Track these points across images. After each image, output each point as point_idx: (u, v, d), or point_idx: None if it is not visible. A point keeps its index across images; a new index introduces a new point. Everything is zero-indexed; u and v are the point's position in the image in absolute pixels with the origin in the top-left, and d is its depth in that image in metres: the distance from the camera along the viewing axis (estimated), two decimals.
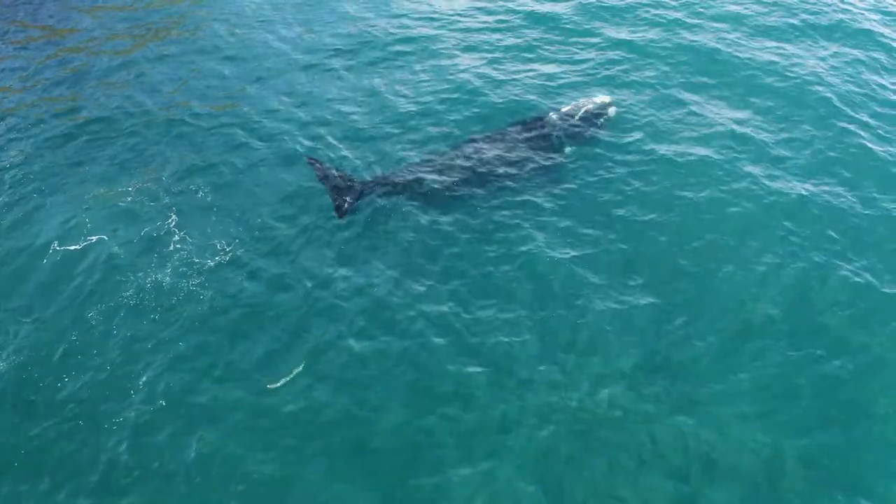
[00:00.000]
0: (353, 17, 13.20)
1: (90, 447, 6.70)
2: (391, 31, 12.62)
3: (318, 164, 9.68)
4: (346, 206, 9.20)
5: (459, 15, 13.14)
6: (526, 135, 10.18)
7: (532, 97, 11.03)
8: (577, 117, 10.45)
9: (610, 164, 9.67)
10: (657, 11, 12.95)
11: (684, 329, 7.53)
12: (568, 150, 10.03)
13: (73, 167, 9.91)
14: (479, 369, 7.13)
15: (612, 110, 10.65)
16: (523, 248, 8.45)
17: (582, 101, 10.76)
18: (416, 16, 13.11)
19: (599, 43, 12.12)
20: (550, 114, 10.57)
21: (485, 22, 12.93)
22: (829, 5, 12.97)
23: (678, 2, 13.23)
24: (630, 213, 8.86)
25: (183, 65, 12.13)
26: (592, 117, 10.48)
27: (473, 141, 10.11)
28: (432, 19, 12.95)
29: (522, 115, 10.60)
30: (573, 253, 8.36)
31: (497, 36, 12.48)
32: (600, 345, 7.37)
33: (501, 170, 9.65)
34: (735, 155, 9.71)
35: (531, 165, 9.73)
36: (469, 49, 12.14)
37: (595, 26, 12.57)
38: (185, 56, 12.36)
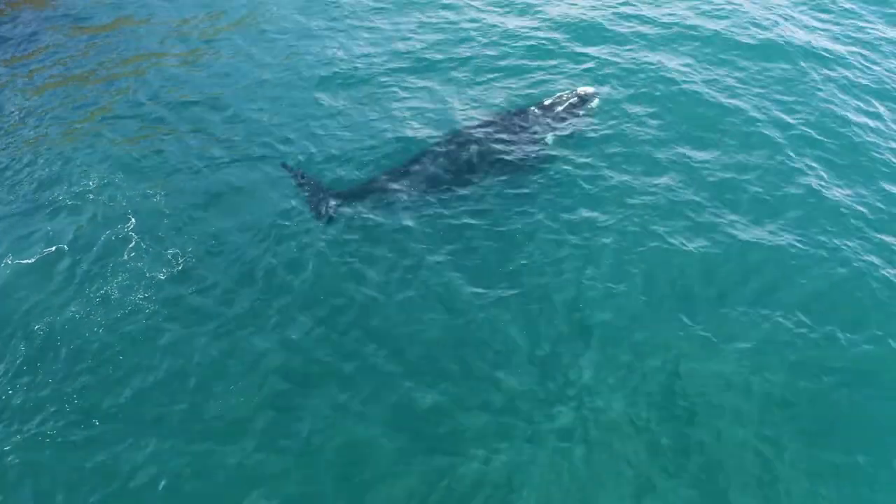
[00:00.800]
0: (319, 34, 12.78)
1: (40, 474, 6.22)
2: (361, 49, 12.24)
3: (296, 171, 9.26)
4: (324, 210, 8.76)
5: (432, 28, 12.81)
6: (509, 134, 9.76)
7: (503, 102, 10.68)
8: (559, 110, 10.11)
9: (576, 188, 9.08)
10: (630, 28, 12.68)
11: (628, 370, 7.05)
12: (549, 139, 9.67)
13: (39, 180, 9.38)
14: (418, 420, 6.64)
15: (595, 102, 10.34)
16: (493, 271, 8.01)
17: (565, 93, 10.42)
18: (387, 33, 12.77)
19: (571, 54, 11.79)
20: (533, 108, 10.21)
21: (457, 31, 12.63)
22: (809, 26, 12.61)
23: (650, 16, 12.91)
24: (595, 243, 8.36)
25: (150, 79, 11.59)
26: (576, 108, 10.15)
27: (457, 140, 9.67)
28: (403, 38, 12.59)
29: (503, 114, 10.21)
30: (553, 271, 7.97)
31: (467, 47, 12.15)
32: (554, 393, 6.85)
33: (482, 171, 9.26)
34: (693, 187, 9.07)
35: (512, 167, 9.33)
36: (443, 62, 11.76)
37: (567, 40, 12.23)
38: (154, 70, 11.83)
